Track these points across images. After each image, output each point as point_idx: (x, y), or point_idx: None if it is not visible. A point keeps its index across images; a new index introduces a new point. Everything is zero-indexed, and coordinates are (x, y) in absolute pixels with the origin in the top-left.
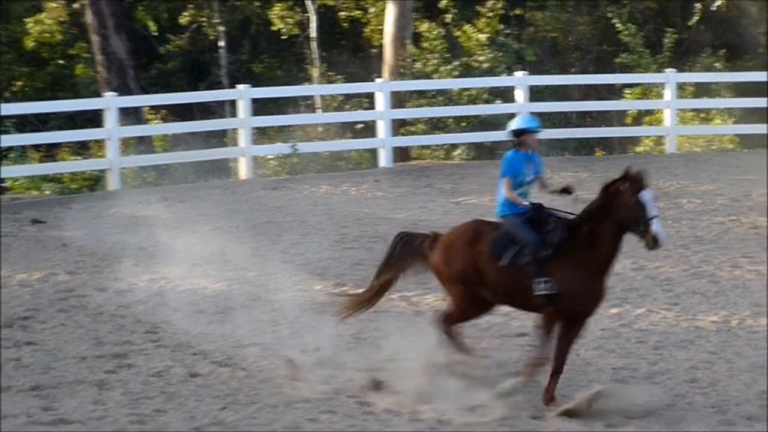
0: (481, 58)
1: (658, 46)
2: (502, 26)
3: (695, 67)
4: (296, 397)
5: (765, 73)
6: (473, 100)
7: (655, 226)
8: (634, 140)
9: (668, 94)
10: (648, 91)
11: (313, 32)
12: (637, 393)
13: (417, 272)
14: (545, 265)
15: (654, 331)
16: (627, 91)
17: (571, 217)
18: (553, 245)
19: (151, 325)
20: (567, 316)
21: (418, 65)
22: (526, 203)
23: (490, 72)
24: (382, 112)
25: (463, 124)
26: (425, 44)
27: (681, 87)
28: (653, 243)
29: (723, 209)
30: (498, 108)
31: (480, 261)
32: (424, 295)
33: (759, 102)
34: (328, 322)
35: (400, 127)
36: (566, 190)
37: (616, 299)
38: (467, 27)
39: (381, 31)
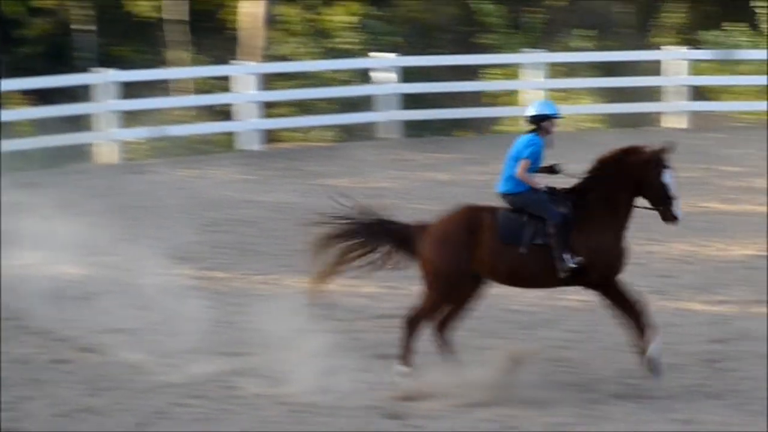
0: (346, 41)
1: (526, 26)
2: (366, 8)
3: (564, 46)
4: (164, 382)
5: (633, 52)
6: (342, 82)
7: (675, 206)
8: (496, 120)
9: (536, 74)
10: (512, 71)
11: (181, 15)
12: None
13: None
14: (568, 238)
15: (526, 311)
16: (493, 71)
17: (576, 185)
18: (572, 217)
19: (13, 312)
20: (600, 282)
21: (284, 48)
22: (542, 186)
23: (355, 54)
24: (247, 94)
25: (332, 106)
26: (288, 27)
27: (549, 67)
28: (672, 220)
29: None
30: (367, 90)
31: (485, 251)
32: (286, 276)
33: (626, 81)
34: (193, 307)
35: (268, 109)
36: (552, 169)
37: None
38: (328, 9)
39: (246, 14)
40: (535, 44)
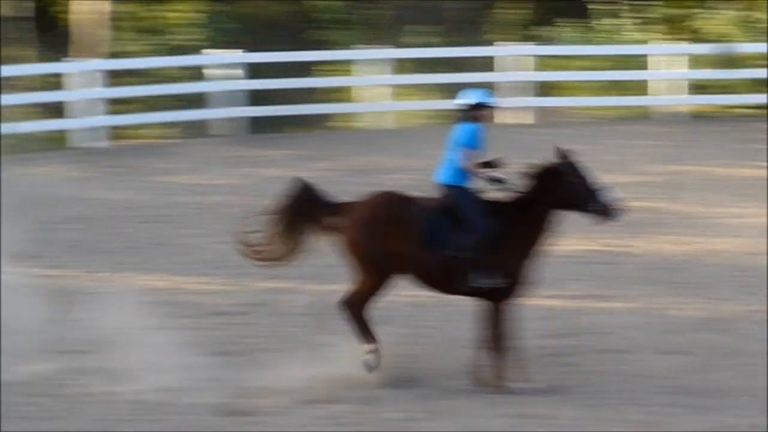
0: (184, 37)
1: (364, 22)
2: (209, 5)
3: (409, 42)
4: (2, 381)
5: (469, 48)
6: (183, 79)
7: (604, 198)
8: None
9: (375, 70)
10: (348, 68)
11: (26, 12)
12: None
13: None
14: (484, 256)
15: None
16: (328, 68)
17: (507, 199)
18: (497, 234)
19: None
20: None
21: (125, 45)
22: (486, 175)
23: (194, 50)
24: (88, 91)
25: (173, 103)
26: (129, 23)
27: (395, 63)
28: (608, 214)
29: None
30: (206, 86)
31: (402, 245)
32: (124, 273)
33: (469, 78)
34: (31, 305)
35: (112, 106)
36: (492, 164)
37: (326, 276)
38: (169, 6)
39: (86, 12)
40: (374, 40)
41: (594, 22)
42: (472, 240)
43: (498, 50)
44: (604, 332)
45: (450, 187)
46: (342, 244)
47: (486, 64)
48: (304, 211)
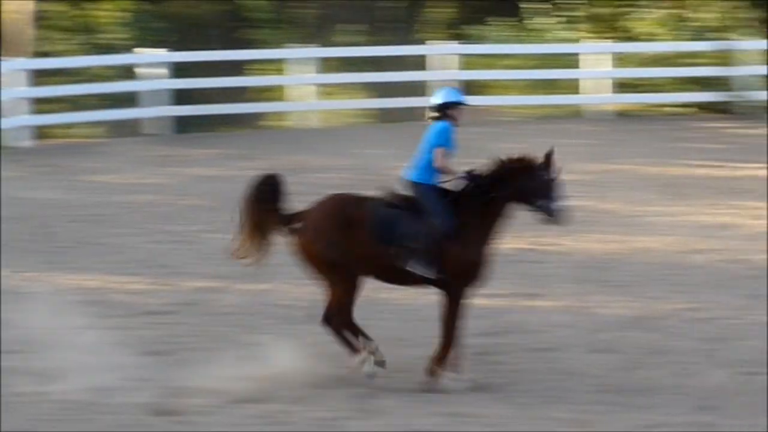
0: (112, 36)
1: (295, 21)
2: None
3: (339, 41)
4: None
5: (401, 47)
6: (112, 78)
7: (561, 204)
8: (260, 116)
9: (304, 69)
10: (278, 66)
11: None
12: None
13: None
14: (437, 248)
15: (295, 306)
16: (261, 67)
17: (465, 188)
18: (453, 227)
19: None
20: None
21: (52, 44)
22: (460, 173)
23: (123, 50)
24: (15, 90)
25: (102, 102)
26: (52, 22)
27: (322, 62)
28: (556, 219)
29: (360, 183)
30: (136, 86)
31: (358, 244)
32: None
33: (394, 76)
34: None
35: (38, 105)
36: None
37: (256, 275)
38: (97, 5)
39: (12, 11)
40: (303, 39)
41: (525, 21)
42: (428, 230)
43: (428, 49)
44: (534, 331)
45: (417, 184)
46: (301, 256)
47: (416, 63)
48: (267, 207)
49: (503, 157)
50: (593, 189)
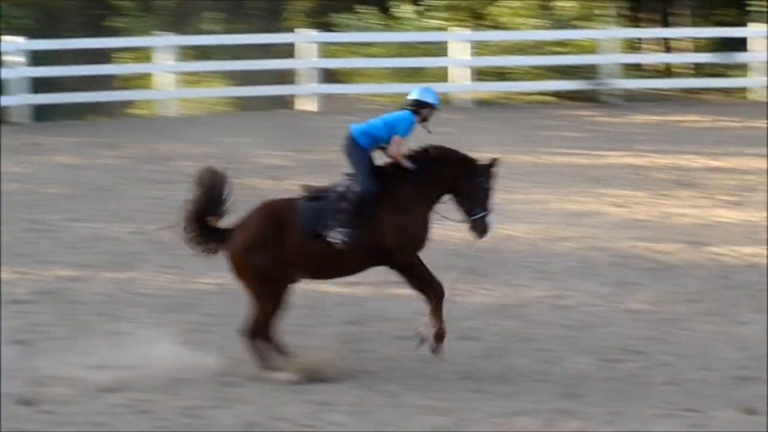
0: None
1: (158, 9)
2: None
3: (193, 30)
4: None
5: (265, 35)
6: None
7: (490, 217)
8: (127, 104)
9: (166, 57)
10: (145, 54)
11: None
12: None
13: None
14: (357, 215)
15: (155, 295)
16: (125, 55)
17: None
18: (379, 196)
19: None
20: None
21: None
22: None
23: None
24: None
25: None
26: None
27: (180, 50)
28: (481, 232)
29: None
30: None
31: (293, 248)
32: None
33: (258, 65)
34: None
35: None
36: None
37: (119, 264)
38: None
39: None
40: (167, 27)
41: (392, 9)
42: (354, 196)
43: (292, 37)
44: (398, 319)
45: (352, 143)
46: (233, 267)
47: (285, 51)
48: (210, 205)
49: (449, 148)
50: None
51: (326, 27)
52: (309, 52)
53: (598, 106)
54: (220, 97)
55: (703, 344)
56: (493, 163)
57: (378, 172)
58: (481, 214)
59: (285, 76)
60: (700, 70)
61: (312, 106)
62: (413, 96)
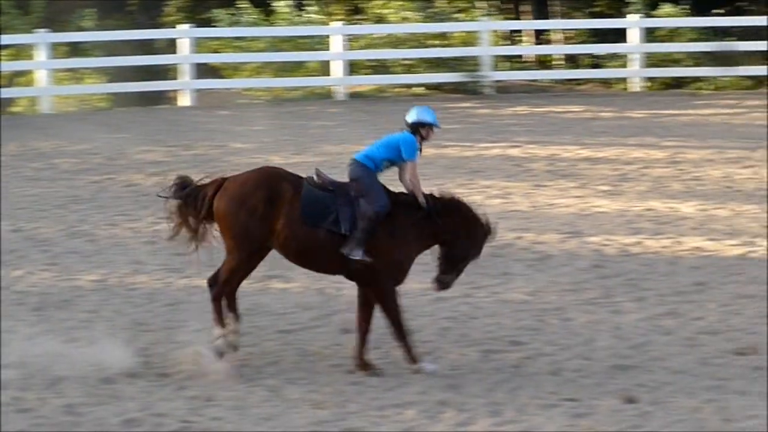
0: None
1: (32, 6)
2: None
3: (68, 26)
4: None
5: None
6: None
7: (460, 272)
8: (8, 101)
9: (41, 54)
10: (21, 51)
11: None
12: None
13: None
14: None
15: (33, 292)
16: (1, 52)
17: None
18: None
19: None
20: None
21: None
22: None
23: None
24: None
25: None
26: None
27: (54, 47)
28: (443, 289)
29: (98, 168)
30: None
31: (282, 225)
32: None
33: (135, 60)
34: None
35: None
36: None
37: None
38: None
39: None
40: (41, 24)
41: (272, 4)
42: (371, 214)
43: (171, 32)
44: (282, 312)
45: (362, 165)
46: (218, 215)
47: (166, 47)
48: (190, 205)
49: (462, 200)
50: (334, 171)
51: (206, 23)
52: (185, 48)
53: (475, 98)
54: (98, 94)
55: (582, 334)
56: (491, 229)
57: (387, 193)
58: (452, 275)
59: (168, 72)
60: (576, 61)
61: (188, 101)
62: (412, 118)
